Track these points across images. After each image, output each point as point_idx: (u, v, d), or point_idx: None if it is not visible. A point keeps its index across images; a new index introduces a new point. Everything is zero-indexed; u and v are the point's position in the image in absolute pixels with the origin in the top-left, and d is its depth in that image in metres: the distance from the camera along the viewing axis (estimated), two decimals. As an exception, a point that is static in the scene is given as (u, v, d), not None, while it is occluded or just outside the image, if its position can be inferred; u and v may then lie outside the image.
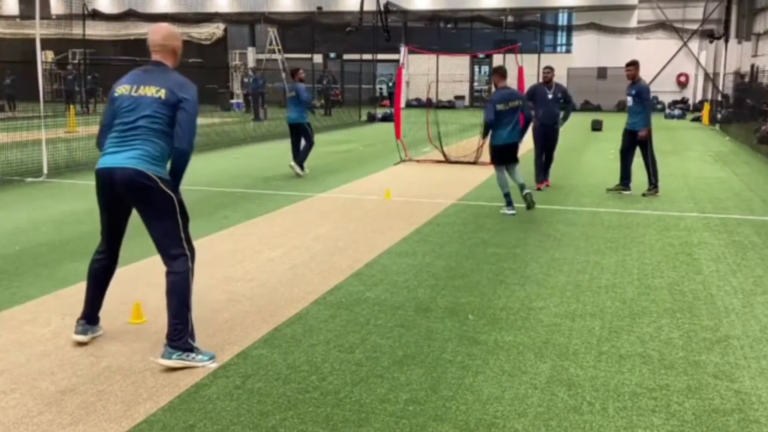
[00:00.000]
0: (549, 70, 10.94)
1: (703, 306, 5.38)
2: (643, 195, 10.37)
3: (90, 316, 4.52)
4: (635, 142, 10.44)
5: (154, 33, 4.39)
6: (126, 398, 3.73)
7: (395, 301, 5.39)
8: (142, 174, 4.08)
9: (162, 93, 4.18)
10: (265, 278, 5.99)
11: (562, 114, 11.10)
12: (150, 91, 4.19)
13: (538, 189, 10.82)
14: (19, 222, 8.30)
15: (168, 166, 4.27)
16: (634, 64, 10.55)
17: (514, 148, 8.88)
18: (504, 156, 8.81)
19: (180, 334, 4.15)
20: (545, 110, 10.88)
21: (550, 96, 10.84)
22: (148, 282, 5.54)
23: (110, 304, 5.21)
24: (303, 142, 12.40)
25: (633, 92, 10.41)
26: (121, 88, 4.27)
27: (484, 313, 5.13)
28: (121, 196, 4.21)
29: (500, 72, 9.05)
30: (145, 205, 4.19)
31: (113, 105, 4.27)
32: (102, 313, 4.55)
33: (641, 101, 10.33)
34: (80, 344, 4.44)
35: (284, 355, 4.32)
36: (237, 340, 4.55)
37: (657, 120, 10.74)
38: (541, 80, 11.13)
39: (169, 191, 4.17)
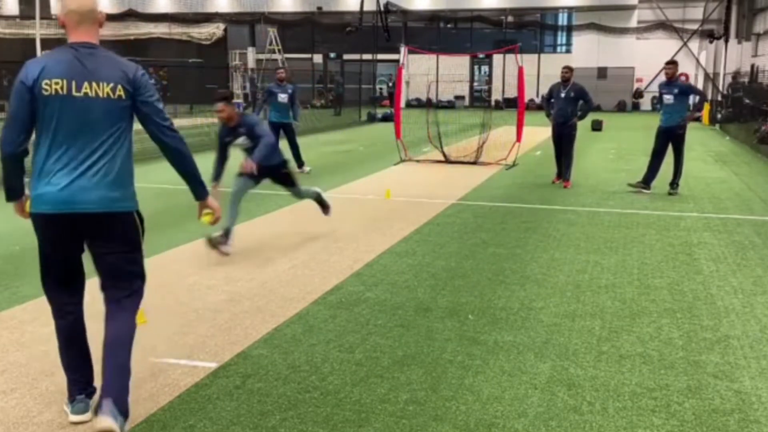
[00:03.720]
0: (567, 70, 11.14)
1: (703, 306, 5.38)
2: (669, 194, 10.38)
3: (87, 387, 3.54)
4: (669, 141, 10.42)
5: None
6: (126, 398, 3.73)
7: (395, 301, 5.39)
8: (118, 213, 3.30)
9: (120, 90, 3.23)
10: (265, 278, 5.99)
11: (579, 113, 11.27)
12: (104, 89, 3.20)
13: (554, 182, 11.40)
14: (19, 222, 8.25)
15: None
16: (674, 63, 10.69)
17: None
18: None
19: (127, 395, 3.33)
20: (557, 109, 11.19)
21: (563, 95, 11.07)
22: (148, 283, 5.50)
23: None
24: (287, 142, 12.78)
25: (675, 91, 10.37)
26: (52, 83, 3.15)
27: (484, 313, 5.13)
28: (80, 236, 3.35)
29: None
30: (113, 240, 3.36)
31: (38, 103, 3.16)
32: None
33: (685, 97, 10.42)
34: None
35: (284, 355, 4.32)
36: (237, 340, 4.55)
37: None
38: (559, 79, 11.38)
39: (137, 218, 3.44)
